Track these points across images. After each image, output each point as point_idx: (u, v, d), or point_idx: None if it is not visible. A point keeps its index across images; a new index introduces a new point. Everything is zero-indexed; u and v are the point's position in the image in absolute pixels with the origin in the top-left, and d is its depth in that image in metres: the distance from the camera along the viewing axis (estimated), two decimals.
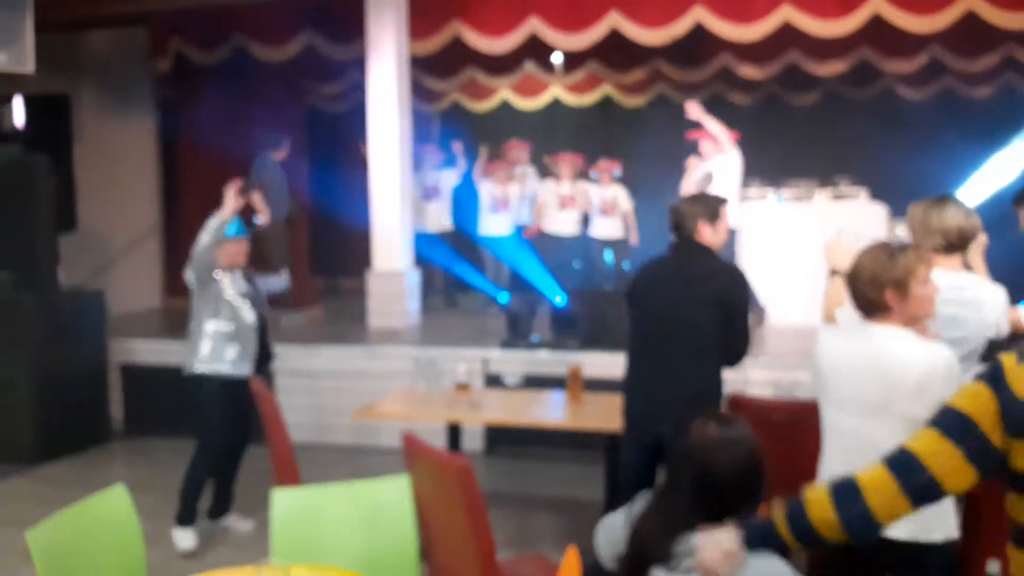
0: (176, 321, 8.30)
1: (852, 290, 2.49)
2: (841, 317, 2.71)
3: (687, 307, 3.30)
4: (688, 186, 7.12)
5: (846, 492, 1.63)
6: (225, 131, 8.40)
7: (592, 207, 8.41)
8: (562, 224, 8.37)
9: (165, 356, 6.68)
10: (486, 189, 8.63)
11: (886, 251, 2.43)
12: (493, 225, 8.61)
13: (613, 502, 3.54)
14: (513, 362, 6.10)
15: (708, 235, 3.37)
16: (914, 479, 1.51)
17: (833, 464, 2.50)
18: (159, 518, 4.58)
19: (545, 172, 8.82)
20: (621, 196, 8.39)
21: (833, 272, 2.85)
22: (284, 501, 2.87)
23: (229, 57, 8.24)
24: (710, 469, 1.89)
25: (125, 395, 6.85)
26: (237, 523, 4.78)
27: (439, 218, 8.91)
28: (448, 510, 2.80)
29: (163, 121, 9.22)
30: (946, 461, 1.48)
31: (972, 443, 1.46)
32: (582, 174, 8.53)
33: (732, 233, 6.85)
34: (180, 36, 8.30)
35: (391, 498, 2.90)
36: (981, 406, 1.45)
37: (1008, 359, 1.44)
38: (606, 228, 8.40)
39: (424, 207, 8.77)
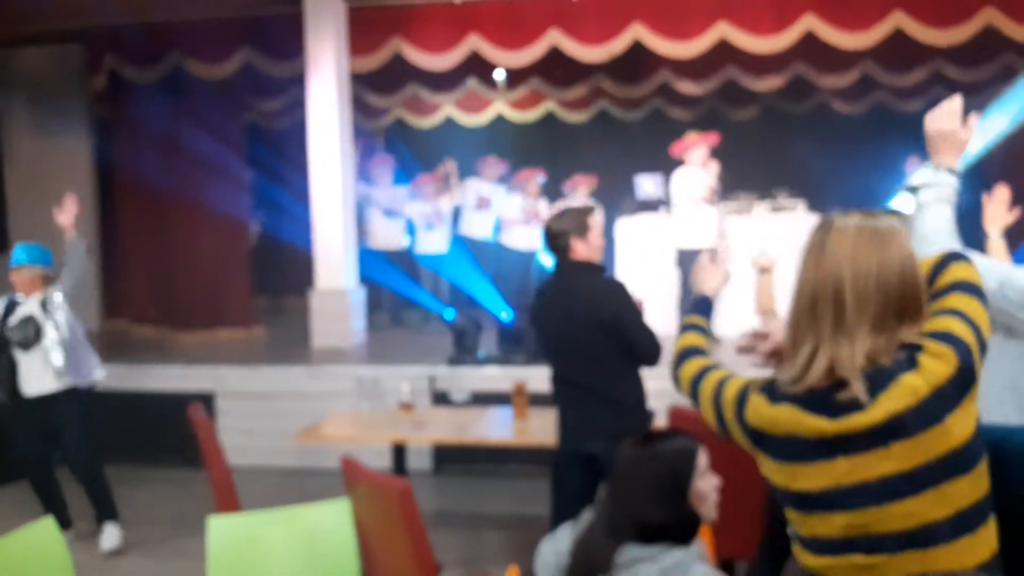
0: (114, 343, 8.10)
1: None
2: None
3: (575, 327, 3.30)
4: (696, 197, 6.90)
5: None
6: (163, 148, 8.26)
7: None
8: (523, 238, 8.43)
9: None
10: (415, 208, 8.56)
11: None
12: (430, 243, 8.55)
13: (556, 521, 3.53)
14: (460, 379, 6.07)
15: (582, 250, 3.33)
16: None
17: None
18: (93, 548, 4.45)
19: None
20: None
21: (764, 270, 2.92)
22: (220, 528, 2.82)
23: (166, 74, 8.07)
24: (626, 485, 1.91)
25: None
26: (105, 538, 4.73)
27: (395, 235, 8.76)
28: (389, 533, 2.76)
29: (99, 139, 9.02)
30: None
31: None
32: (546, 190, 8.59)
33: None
34: (115, 54, 8.11)
35: (331, 522, 2.87)
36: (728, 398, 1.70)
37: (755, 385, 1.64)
38: None
39: (383, 224, 8.68)
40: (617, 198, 8.56)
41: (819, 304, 1.49)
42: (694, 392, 1.79)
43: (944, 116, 1.89)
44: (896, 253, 1.49)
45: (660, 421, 4.06)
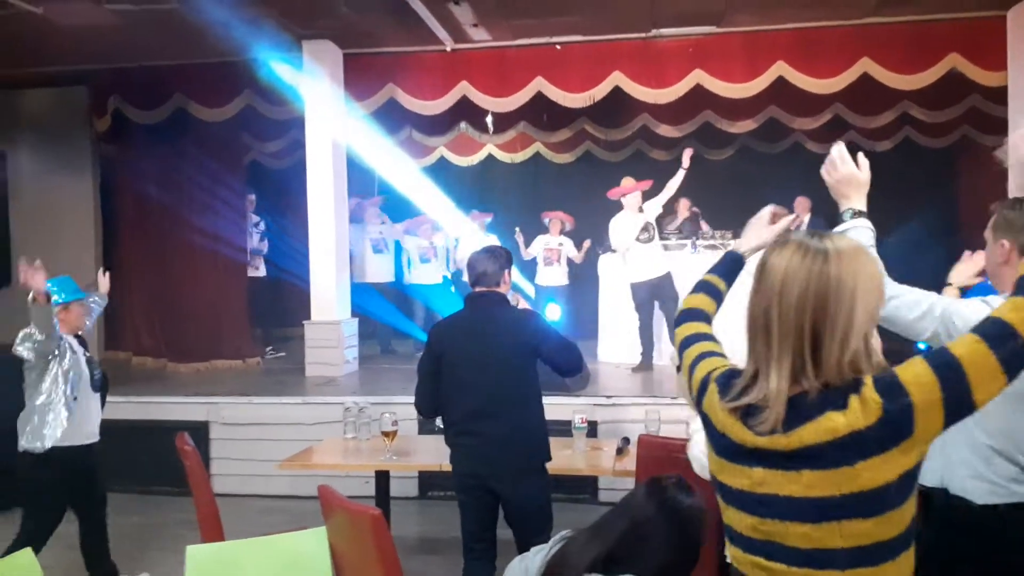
0: (114, 374, 8.25)
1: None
2: None
3: (503, 354, 3.47)
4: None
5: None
6: (165, 186, 8.53)
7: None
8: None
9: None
10: (412, 242, 9.01)
11: None
12: (424, 274, 8.97)
13: (470, 546, 3.63)
14: None
15: (505, 284, 3.62)
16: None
17: None
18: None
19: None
20: (567, 245, 8.83)
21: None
22: (198, 557, 2.83)
23: (169, 116, 8.31)
24: (640, 526, 1.88)
25: None
26: None
27: (383, 270, 9.25)
28: (363, 561, 2.86)
29: (103, 177, 9.27)
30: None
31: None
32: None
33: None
34: (119, 95, 8.38)
35: (308, 550, 2.93)
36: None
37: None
38: (552, 276, 8.87)
39: (372, 259, 9.11)
40: (602, 235, 8.87)
41: (755, 326, 1.51)
42: (680, 354, 1.78)
43: (838, 163, 1.96)
44: (833, 273, 1.44)
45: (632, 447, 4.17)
